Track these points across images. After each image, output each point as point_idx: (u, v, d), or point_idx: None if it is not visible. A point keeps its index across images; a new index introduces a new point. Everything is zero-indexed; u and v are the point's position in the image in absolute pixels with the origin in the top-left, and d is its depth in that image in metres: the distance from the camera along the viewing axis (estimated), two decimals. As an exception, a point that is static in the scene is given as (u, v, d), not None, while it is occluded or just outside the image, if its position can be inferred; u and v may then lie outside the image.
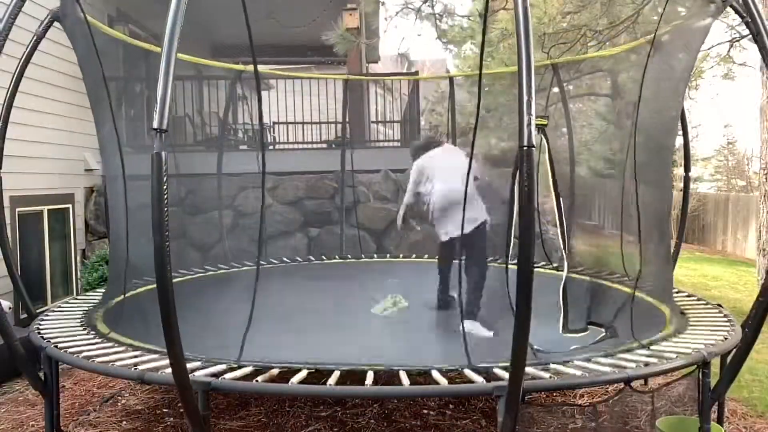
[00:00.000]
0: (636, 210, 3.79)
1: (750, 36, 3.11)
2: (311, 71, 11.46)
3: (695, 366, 2.91)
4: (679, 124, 4.61)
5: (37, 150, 6.31)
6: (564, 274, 3.51)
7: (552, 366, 2.82)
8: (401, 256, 7.06)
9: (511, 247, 4.14)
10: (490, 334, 4.07)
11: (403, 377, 2.65)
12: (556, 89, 6.45)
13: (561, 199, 3.53)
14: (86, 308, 4.17)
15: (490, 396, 2.47)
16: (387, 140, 11.38)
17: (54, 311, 4.12)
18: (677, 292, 4.42)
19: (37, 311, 4.19)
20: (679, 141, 5.13)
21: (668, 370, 2.84)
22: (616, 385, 3.91)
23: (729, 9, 3.32)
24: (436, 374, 2.72)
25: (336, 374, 2.68)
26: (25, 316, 5.21)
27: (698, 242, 17.24)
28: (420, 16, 7.68)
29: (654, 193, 4.10)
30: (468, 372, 2.74)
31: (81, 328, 3.61)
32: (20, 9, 3.39)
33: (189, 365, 2.60)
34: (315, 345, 3.57)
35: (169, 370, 2.42)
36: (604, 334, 3.32)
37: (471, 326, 4.15)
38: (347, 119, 7.93)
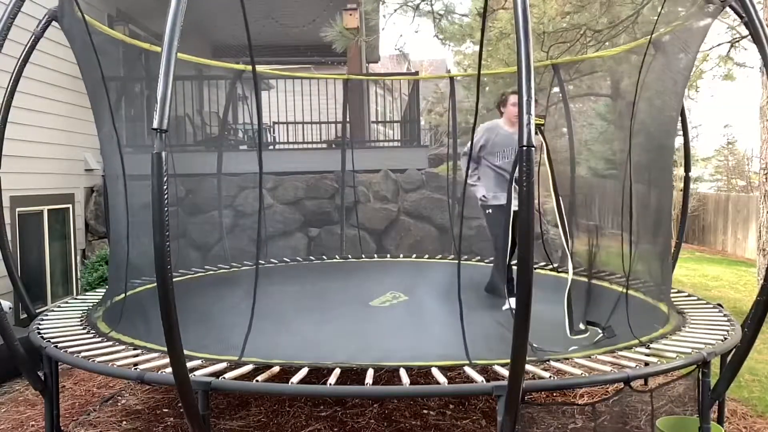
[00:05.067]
0: (636, 209, 3.78)
1: (750, 36, 3.11)
2: (311, 71, 11.47)
3: (695, 366, 2.91)
4: (680, 124, 4.61)
5: (37, 150, 6.31)
6: (569, 277, 3.50)
7: (552, 365, 2.82)
8: (401, 255, 7.06)
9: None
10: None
11: (403, 375, 2.66)
12: (556, 89, 6.45)
13: (561, 199, 3.52)
14: (86, 308, 4.17)
15: (489, 396, 2.47)
16: (387, 140, 11.39)
17: (54, 311, 4.11)
18: (677, 292, 4.42)
19: (37, 311, 4.19)
20: (679, 141, 5.13)
21: (668, 369, 2.84)
22: (615, 384, 3.91)
23: (729, 9, 3.32)
24: (436, 372, 2.72)
25: (336, 371, 2.68)
26: (25, 316, 5.20)
27: (698, 242, 17.24)
28: (419, 14, 7.68)
29: (654, 192, 4.10)
30: (468, 370, 2.75)
31: (81, 328, 3.60)
32: (19, 9, 3.38)
33: (189, 364, 2.60)
34: (315, 343, 3.57)
35: (169, 370, 2.42)
36: (601, 335, 3.32)
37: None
38: (347, 119, 7.93)
